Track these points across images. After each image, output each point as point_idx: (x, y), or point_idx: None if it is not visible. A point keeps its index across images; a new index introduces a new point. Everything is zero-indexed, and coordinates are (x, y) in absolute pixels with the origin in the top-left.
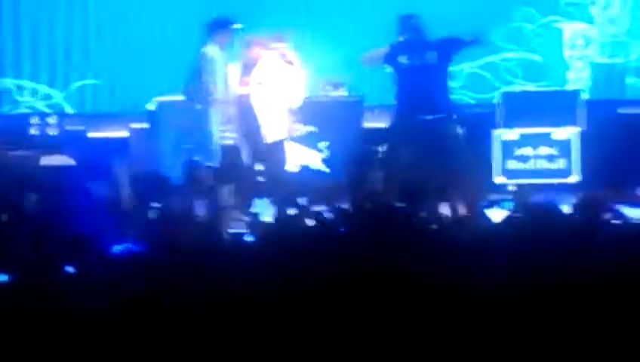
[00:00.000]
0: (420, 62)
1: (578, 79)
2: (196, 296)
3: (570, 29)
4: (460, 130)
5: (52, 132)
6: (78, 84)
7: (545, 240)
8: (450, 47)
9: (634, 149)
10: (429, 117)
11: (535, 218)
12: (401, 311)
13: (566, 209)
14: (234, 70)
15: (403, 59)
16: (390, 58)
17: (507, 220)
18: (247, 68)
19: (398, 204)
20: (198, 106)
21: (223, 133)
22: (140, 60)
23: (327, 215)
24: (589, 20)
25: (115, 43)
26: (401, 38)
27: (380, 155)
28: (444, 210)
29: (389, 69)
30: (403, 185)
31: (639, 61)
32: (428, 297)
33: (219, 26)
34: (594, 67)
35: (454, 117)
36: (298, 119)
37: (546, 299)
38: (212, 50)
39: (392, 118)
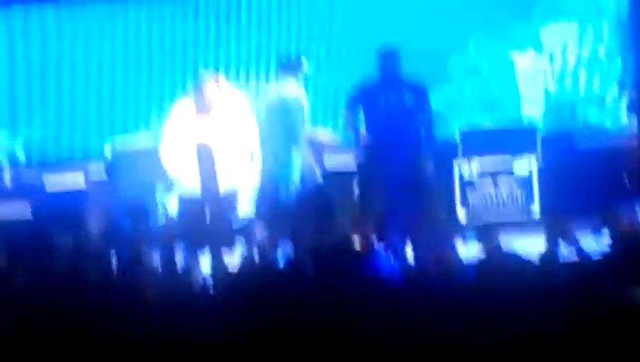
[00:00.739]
0: (397, 103)
1: (533, 111)
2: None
3: (524, 61)
4: (431, 167)
5: (6, 181)
6: (31, 131)
7: (508, 285)
8: (425, 98)
9: (592, 181)
10: (402, 155)
11: (497, 260)
12: None
13: (527, 245)
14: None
15: (380, 100)
16: (366, 98)
17: (472, 262)
18: (202, 108)
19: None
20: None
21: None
22: (90, 102)
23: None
24: (543, 51)
25: (63, 87)
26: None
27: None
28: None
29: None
30: (375, 222)
31: (592, 92)
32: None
33: (299, 65)
34: (548, 99)
35: (426, 154)
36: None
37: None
38: (299, 89)
39: (362, 156)
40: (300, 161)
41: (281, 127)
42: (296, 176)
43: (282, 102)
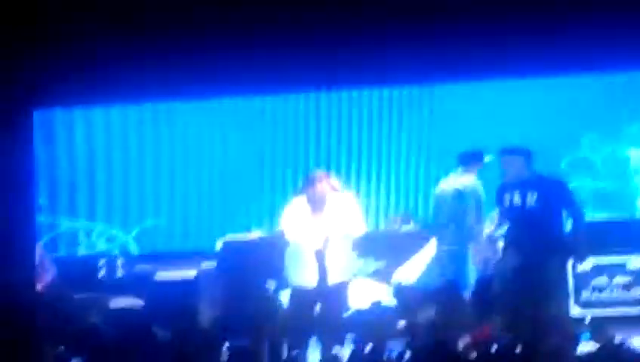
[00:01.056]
0: (522, 202)
1: None
2: None
3: (638, 155)
4: (561, 268)
5: (119, 274)
6: (145, 223)
7: None
8: (560, 193)
9: None
10: (526, 254)
11: (612, 356)
12: None
13: None
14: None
15: (508, 198)
16: (500, 198)
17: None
18: (315, 205)
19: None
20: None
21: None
22: (203, 197)
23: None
24: None
25: (177, 181)
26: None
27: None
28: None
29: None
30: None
31: None
32: None
33: (478, 158)
34: None
35: (559, 254)
36: (361, 253)
37: None
38: (476, 182)
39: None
40: (474, 257)
41: (457, 220)
42: (469, 273)
43: (459, 195)
